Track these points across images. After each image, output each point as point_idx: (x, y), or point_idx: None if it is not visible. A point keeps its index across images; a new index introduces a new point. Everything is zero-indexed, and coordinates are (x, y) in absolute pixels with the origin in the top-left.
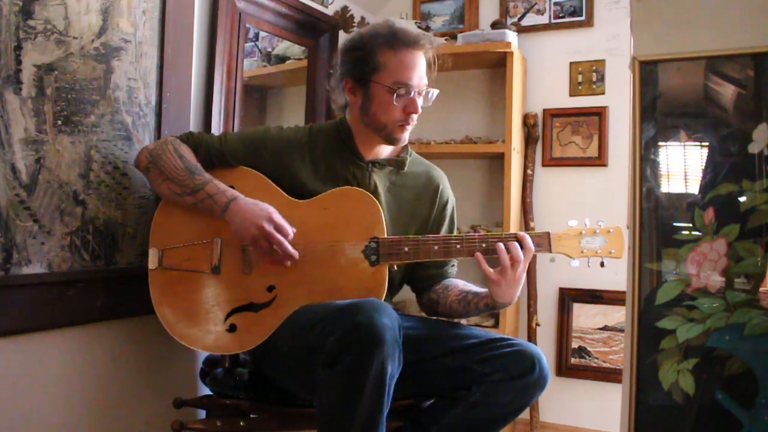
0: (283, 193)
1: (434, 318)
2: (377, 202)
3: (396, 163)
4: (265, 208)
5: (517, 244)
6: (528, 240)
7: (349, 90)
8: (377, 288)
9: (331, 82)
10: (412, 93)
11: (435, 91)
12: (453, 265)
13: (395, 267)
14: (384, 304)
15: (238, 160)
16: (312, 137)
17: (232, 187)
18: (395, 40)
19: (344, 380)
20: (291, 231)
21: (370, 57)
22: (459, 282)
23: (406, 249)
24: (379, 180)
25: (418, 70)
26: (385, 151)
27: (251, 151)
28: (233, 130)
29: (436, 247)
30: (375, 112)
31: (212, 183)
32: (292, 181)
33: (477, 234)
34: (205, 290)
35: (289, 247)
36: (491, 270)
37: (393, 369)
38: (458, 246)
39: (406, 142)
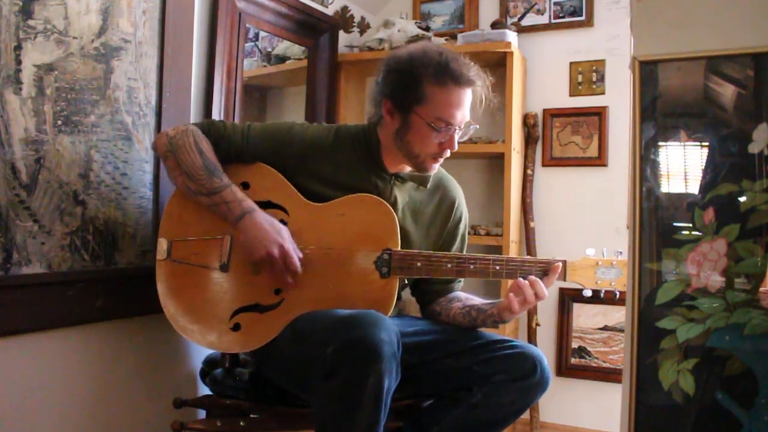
0: (299, 194)
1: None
2: (394, 213)
3: (420, 179)
4: (277, 233)
5: (540, 282)
6: (551, 266)
7: (387, 111)
8: (386, 301)
9: (370, 93)
10: (452, 130)
11: (475, 126)
12: (459, 281)
13: (405, 281)
14: (382, 317)
15: (258, 159)
16: (337, 140)
17: (247, 184)
18: (445, 75)
19: (341, 394)
20: (297, 260)
21: (416, 86)
22: (462, 295)
23: (419, 264)
24: (400, 194)
25: (463, 108)
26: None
27: (273, 150)
28: None
29: (449, 265)
30: (410, 141)
31: (230, 189)
32: (310, 182)
33: (492, 256)
34: (212, 287)
35: (289, 279)
36: (517, 305)
37: (390, 383)
38: (471, 267)
39: (435, 172)
